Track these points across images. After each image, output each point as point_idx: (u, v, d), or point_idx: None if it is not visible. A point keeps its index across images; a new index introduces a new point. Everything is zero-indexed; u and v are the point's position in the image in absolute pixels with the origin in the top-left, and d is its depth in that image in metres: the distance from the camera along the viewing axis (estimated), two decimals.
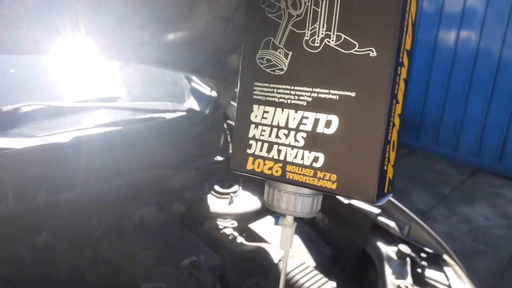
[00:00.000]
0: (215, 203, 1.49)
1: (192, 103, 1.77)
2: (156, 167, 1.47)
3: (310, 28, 0.50)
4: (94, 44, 1.10)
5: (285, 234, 0.57)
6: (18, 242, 1.15)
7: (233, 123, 1.75)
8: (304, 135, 0.51)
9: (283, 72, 0.52)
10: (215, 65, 1.52)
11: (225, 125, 1.76)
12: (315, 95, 0.50)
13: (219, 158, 1.68)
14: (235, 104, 1.87)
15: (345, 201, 1.42)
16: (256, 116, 0.54)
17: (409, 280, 1.17)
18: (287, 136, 0.52)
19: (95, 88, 1.62)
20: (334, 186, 0.48)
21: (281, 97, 0.52)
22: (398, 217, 1.39)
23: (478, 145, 4.50)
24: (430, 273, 1.21)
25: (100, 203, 1.30)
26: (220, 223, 1.42)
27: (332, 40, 0.48)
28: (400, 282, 1.15)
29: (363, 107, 0.47)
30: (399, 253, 1.25)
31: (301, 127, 0.51)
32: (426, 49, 4.57)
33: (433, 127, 4.78)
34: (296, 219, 0.57)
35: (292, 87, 0.51)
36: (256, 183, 1.60)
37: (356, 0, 0.47)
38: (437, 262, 1.25)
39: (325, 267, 1.36)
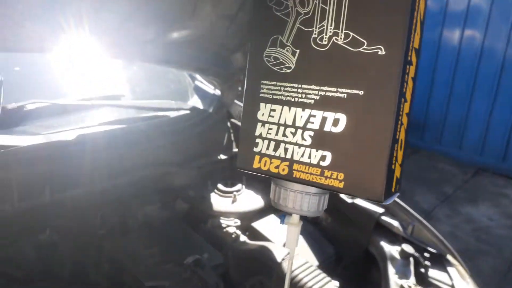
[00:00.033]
0: (218, 202, 1.49)
1: (195, 102, 1.77)
2: (160, 165, 1.47)
3: (318, 26, 0.49)
4: (98, 42, 1.10)
5: (291, 233, 0.57)
6: (22, 239, 1.15)
7: (237, 122, 1.74)
8: (312, 133, 0.50)
9: (290, 70, 0.52)
10: (219, 64, 1.52)
11: (228, 124, 1.76)
12: (322, 93, 0.49)
13: (222, 156, 1.67)
14: (239, 103, 1.87)
15: (349, 200, 1.42)
16: (263, 114, 0.54)
17: (412, 280, 1.17)
18: (294, 134, 0.51)
19: (99, 86, 1.62)
20: (341, 185, 0.48)
21: (288, 95, 0.52)
22: (401, 216, 1.38)
23: (482, 145, 4.48)
24: (433, 273, 1.21)
25: (104, 201, 1.30)
26: (223, 221, 1.42)
27: (340, 38, 0.48)
28: (403, 281, 1.15)
29: (371, 106, 0.46)
30: (403, 253, 1.25)
31: (308, 125, 0.50)
32: (430, 48, 4.55)
33: (437, 126, 4.76)
34: (301, 217, 0.57)
35: (299, 85, 0.51)
36: (259, 181, 1.60)
37: None
38: (440, 262, 1.25)
39: (328, 266, 1.35)
